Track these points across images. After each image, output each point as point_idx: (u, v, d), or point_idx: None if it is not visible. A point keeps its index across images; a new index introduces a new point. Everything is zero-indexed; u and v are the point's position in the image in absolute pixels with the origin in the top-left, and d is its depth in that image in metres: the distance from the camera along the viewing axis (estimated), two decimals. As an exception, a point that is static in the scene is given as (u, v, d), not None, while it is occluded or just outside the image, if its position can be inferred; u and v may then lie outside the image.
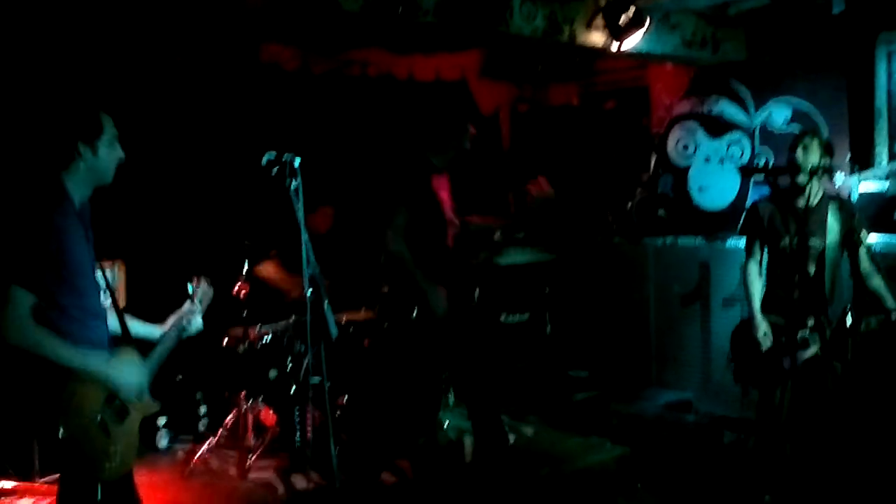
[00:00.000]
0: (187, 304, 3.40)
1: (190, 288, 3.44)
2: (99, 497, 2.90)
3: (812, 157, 4.60)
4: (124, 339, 3.19)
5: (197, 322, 3.39)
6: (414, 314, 4.69)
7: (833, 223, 4.68)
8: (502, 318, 7.24)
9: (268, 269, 5.69)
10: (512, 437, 5.77)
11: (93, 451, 2.91)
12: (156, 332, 3.35)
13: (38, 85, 5.31)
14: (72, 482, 2.95)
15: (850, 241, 4.68)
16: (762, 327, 4.75)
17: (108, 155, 3.05)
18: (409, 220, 4.60)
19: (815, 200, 4.69)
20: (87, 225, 3.05)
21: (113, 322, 3.19)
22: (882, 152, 5.91)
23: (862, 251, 4.66)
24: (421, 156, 4.80)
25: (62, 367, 2.84)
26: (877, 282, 4.62)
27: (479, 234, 6.19)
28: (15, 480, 4.69)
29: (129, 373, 3.06)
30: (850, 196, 5.50)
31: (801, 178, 4.62)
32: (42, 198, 2.92)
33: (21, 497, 4.62)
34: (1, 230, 2.91)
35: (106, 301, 3.19)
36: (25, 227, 2.85)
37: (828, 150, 4.75)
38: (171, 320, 3.36)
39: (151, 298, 3.77)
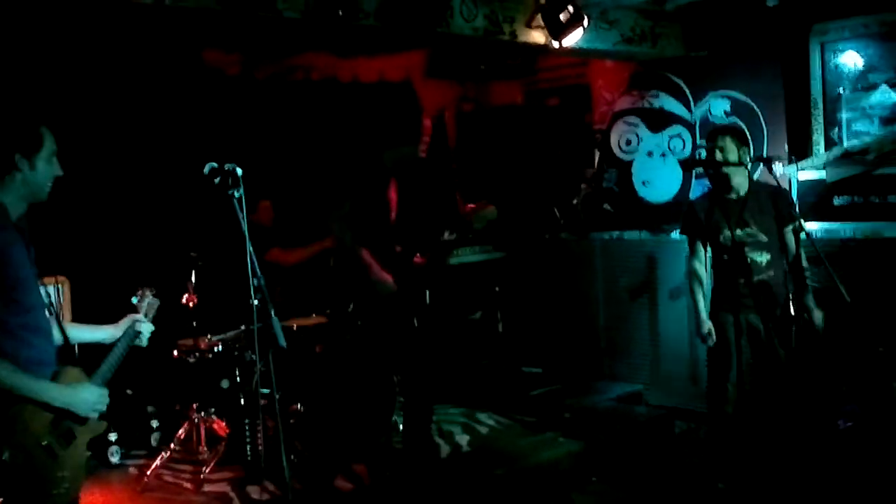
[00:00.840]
0: (132, 317, 3.34)
1: (134, 300, 3.39)
2: None
3: (729, 154, 4.81)
4: (69, 354, 3.13)
5: (144, 335, 3.34)
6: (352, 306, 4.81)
7: (768, 212, 4.81)
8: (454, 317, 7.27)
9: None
10: (466, 439, 5.80)
11: (39, 477, 2.83)
12: (103, 335, 3.29)
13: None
14: None
15: (784, 228, 4.82)
16: (705, 326, 4.90)
17: (46, 170, 2.99)
18: (354, 210, 4.68)
19: (744, 191, 4.84)
20: (27, 240, 2.97)
21: (58, 336, 3.12)
22: (819, 141, 6.03)
23: (790, 239, 4.80)
24: (372, 153, 4.88)
25: (7, 391, 2.75)
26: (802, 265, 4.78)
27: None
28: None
29: (85, 396, 2.98)
30: (783, 184, 5.63)
31: (724, 173, 4.82)
32: None
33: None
34: None
35: (50, 316, 3.12)
36: None
37: (743, 140, 4.95)
38: (116, 329, 3.30)
39: (98, 314, 3.71)
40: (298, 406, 5.40)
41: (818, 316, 4.79)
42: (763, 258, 4.84)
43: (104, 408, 3.07)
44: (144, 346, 3.35)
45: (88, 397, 2.99)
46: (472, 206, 6.97)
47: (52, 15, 5.05)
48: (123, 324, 3.30)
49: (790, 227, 4.83)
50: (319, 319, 5.83)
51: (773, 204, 4.85)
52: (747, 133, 5.28)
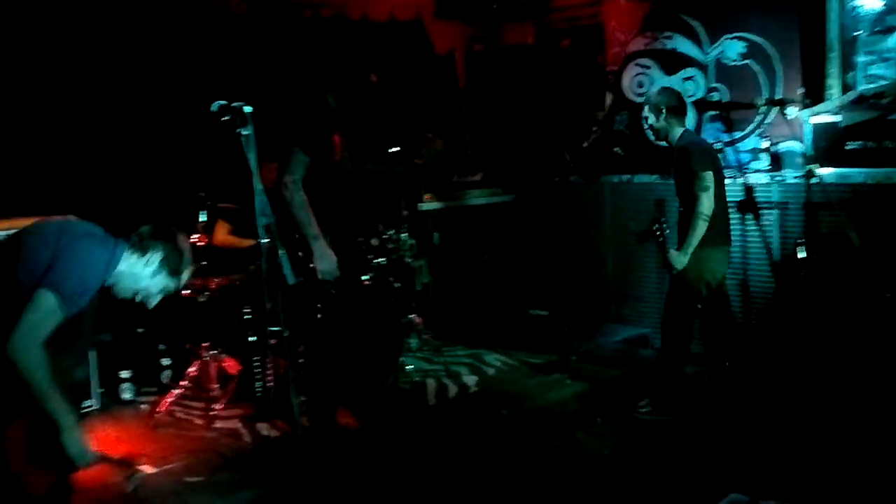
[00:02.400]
0: None
1: None
2: None
3: (649, 116, 5.36)
4: None
5: None
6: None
7: (680, 165, 5.21)
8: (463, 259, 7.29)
9: (220, 236, 5.70)
10: (473, 380, 5.85)
11: None
12: None
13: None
14: None
15: (687, 181, 5.19)
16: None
17: None
18: (306, 164, 4.40)
19: (673, 142, 5.32)
20: None
21: None
22: (834, 85, 5.95)
23: (694, 190, 5.12)
24: (317, 95, 4.63)
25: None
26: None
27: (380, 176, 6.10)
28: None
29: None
30: (794, 127, 5.68)
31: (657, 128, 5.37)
32: None
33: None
34: None
35: None
36: None
37: (666, 103, 5.30)
38: None
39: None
40: (306, 346, 5.45)
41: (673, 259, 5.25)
42: (678, 206, 5.40)
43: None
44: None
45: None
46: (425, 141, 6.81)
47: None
48: None
49: (693, 180, 5.12)
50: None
51: (685, 158, 5.15)
52: (675, 95, 5.41)
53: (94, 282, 3.04)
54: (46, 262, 2.96)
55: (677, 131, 5.28)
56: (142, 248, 3.24)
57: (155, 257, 3.25)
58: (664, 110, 5.26)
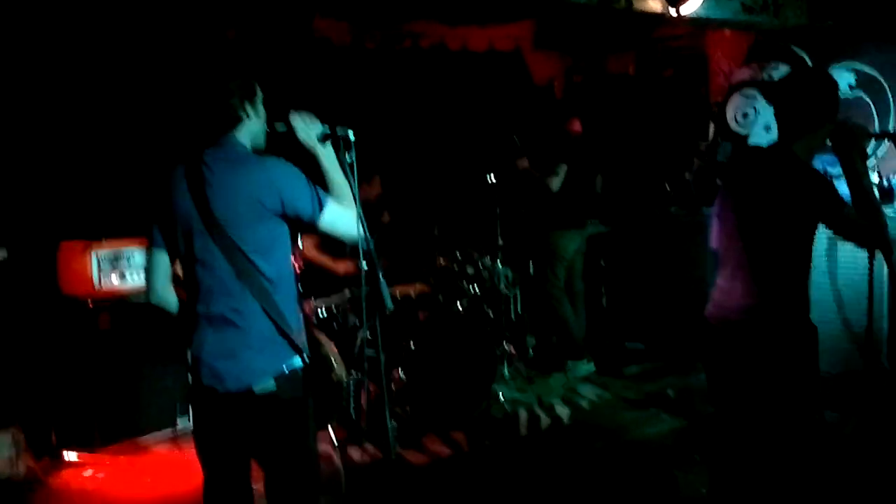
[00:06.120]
0: None
1: None
2: None
3: None
4: None
5: None
6: None
7: None
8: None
9: (308, 252, 5.77)
10: (567, 412, 5.77)
11: None
12: None
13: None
14: None
15: None
16: None
17: (263, 115, 2.98)
18: None
19: None
20: None
21: None
22: (951, 117, 5.72)
23: None
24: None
25: None
26: None
27: None
28: (78, 452, 4.83)
29: None
30: None
31: None
32: None
33: (85, 468, 4.77)
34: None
35: None
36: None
37: None
38: None
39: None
40: (399, 372, 5.46)
41: None
42: None
43: None
44: None
45: None
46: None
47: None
48: None
49: None
50: (422, 287, 5.87)
51: None
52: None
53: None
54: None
55: None
56: (232, 120, 2.91)
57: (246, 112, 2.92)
58: None
